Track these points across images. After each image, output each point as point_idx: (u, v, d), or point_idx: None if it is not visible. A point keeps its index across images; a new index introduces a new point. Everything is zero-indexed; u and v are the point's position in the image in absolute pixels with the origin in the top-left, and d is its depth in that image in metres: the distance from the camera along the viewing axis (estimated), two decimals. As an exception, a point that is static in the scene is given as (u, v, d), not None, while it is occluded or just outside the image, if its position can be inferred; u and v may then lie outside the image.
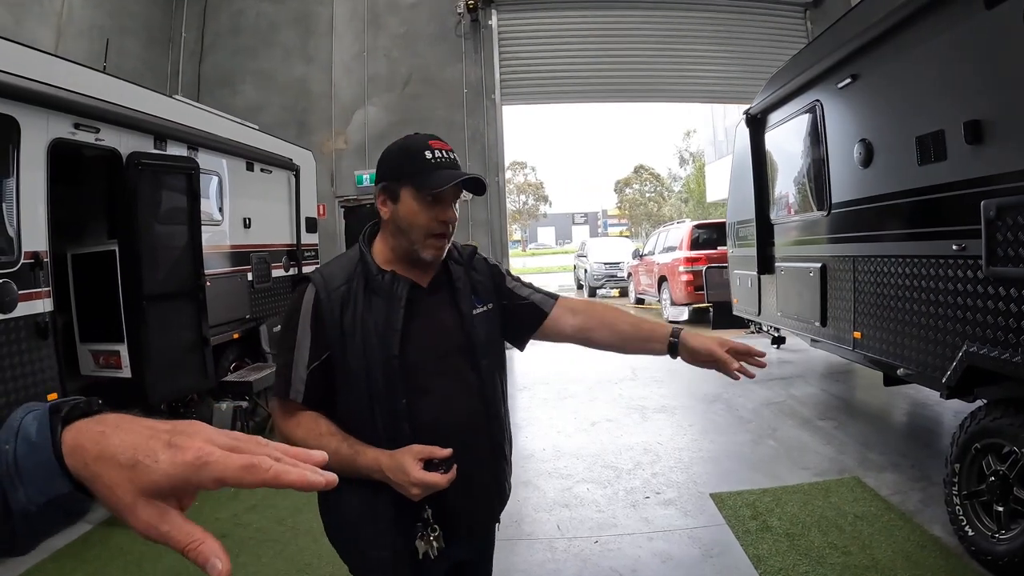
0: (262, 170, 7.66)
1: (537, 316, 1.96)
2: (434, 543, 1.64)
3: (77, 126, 4.59)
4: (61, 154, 4.52)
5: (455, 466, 1.58)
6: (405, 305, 1.69)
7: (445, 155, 1.70)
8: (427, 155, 1.68)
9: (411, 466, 1.54)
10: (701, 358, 1.88)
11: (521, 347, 2.03)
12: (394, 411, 1.65)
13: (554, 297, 2.00)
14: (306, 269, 8.47)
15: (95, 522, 4.57)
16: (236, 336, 6.95)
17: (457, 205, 1.79)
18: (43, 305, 4.22)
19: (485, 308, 1.86)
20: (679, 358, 1.90)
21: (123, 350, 5.00)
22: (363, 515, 1.71)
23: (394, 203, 1.73)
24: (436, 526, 1.65)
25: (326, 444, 1.60)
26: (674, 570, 3.73)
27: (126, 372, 5.01)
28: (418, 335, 1.72)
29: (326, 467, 1.65)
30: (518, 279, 2.03)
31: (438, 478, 1.55)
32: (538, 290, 2.01)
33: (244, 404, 5.93)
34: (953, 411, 5.98)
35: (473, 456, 1.73)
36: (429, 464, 1.56)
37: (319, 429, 1.67)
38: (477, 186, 1.75)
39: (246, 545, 4.19)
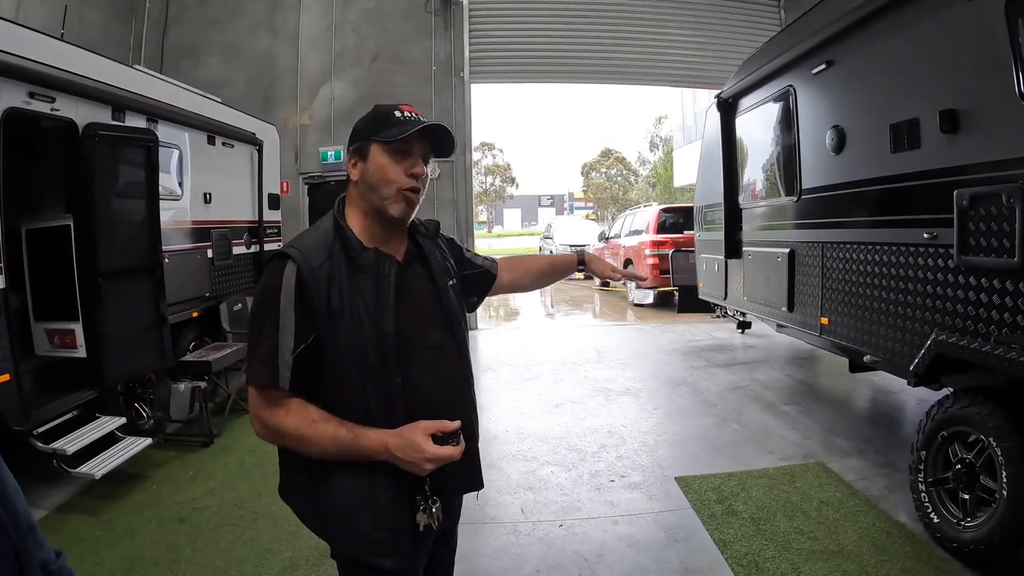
0: (224, 144, 7.46)
1: (489, 280, 2.19)
2: (435, 515, 1.66)
3: (32, 95, 4.38)
4: (15, 124, 4.31)
5: (461, 435, 1.62)
6: (396, 281, 1.70)
7: (414, 116, 1.72)
8: (396, 114, 1.70)
9: (423, 442, 1.56)
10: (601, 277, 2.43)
11: (472, 308, 2.19)
12: (388, 390, 1.63)
13: (494, 261, 2.25)
14: (268, 247, 8.33)
15: (50, 508, 4.44)
16: (195, 315, 6.78)
17: (430, 172, 1.80)
18: (-6, 282, 4.05)
19: (453, 281, 1.89)
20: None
21: (78, 329, 4.81)
22: (360, 499, 1.64)
23: (364, 162, 1.71)
24: (436, 498, 1.66)
25: (322, 430, 1.59)
26: (640, 554, 3.71)
27: (81, 352, 4.82)
28: (403, 310, 1.70)
29: (323, 454, 1.60)
30: (469, 249, 2.20)
31: (452, 451, 1.58)
32: (484, 258, 2.24)
33: (203, 384, 5.78)
34: (916, 399, 6.09)
35: (461, 425, 1.73)
36: (437, 438, 1.58)
37: (311, 416, 1.61)
38: (444, 140, 1.78)
39: (204, 530, 4.08)
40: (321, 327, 1.61)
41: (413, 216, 1.77)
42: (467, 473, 1.83)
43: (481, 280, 2.16)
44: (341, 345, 1.62)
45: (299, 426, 1.60)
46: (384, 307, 1.64)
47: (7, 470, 0.89)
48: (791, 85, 5.43)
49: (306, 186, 12.18)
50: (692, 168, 9.44)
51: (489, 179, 58.62)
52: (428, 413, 1.62)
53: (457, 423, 1.61)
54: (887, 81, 4.17)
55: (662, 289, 13.35)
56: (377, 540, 1.66)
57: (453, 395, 1.76)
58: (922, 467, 3.72)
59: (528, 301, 15.97)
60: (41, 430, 4.43)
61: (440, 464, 1.58)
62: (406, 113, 1.71)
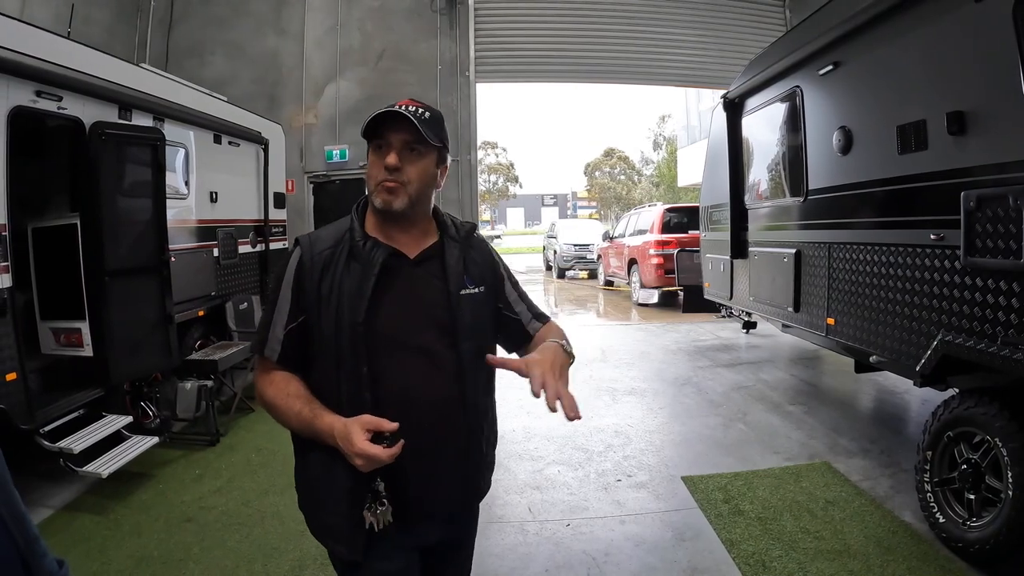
0: (230, 143, 7.47)
1: (522, 337, 1.92)
2: (379, 517, 1.62)
3: (39, 94, 4.38)
4: (22, 123, 4.32)
5: (401, 442, 1.53)
6: (380, 273, 1.66)
7: (403, 108, 1.68)
8: (385, 111, 1.68)
9: (357, 435, 1.52)
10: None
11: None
12: (356, 379, 1.63)
13: (541, 320, 1.94)
14: (274, 245, 8.34)
15: (56, 507, 4.45)
16: (201, 313, 6.79)
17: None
18: (1, 281, 4.05)
19: (476, 290, 1.79)
20: None
21: (84, 328, 4.82)
22: (323, 478, 1.69)
23: (367, 160, 1.76)
24: (385, 500, 1.62)
25: (290, 405, 1.66)
26: (647, 554, 3.72)
27: (87, 351, 4.84)
28: (392, 305, 1.69)
29: (290, 428, 1.66)
30: (516, 285, 1.97)
31: (379, 451, 1.51)
32: (531, 306, 1.95)
33: (209, 383, 5.79)
34: (921, 399, 6.09)
35: (440, 438, 1.70)
36: (378, 436, 1.53)
37: (288, 390, 1.69)
38: (412, 125, 1.65)
39: (211, 529, 4.08)
40: (311, 310, 1.69)
41: (401, 206, 1.69)
42: (446, 490, 1.76)
43: (512, 329, 1.91)
44: (324, 329, 1.67)
45: (275, 396, 1.70)
46: (360, 296, 1.64)
47: (10, 480, 0.88)
48: (798, 86, 5.43)
49: (311, 185, 12.22)
50: (696, 167, 9.46)
51: (492, 178, 58.55)
52: (399, 413, 1.58)
53: (394, 425, 1.54)
54: (894, 83, 4.17)
55: (667, 289, 13.34)
56: (331, 526, 1.72)
57: (435, 403, 1.68)
58: (928, 467, 3.72)
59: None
60: (47, 429, 4.44)
61: (372, 464, 1.53)
62: (394, 108, 1.68)
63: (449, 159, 1.84)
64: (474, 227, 1.93)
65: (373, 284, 1.65)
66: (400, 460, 1.56)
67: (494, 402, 1.93)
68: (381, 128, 1.68)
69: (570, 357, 1.72)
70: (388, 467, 1.56)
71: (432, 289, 1.74)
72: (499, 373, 1.81)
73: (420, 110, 1.69)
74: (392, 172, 1.67)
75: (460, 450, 1.75)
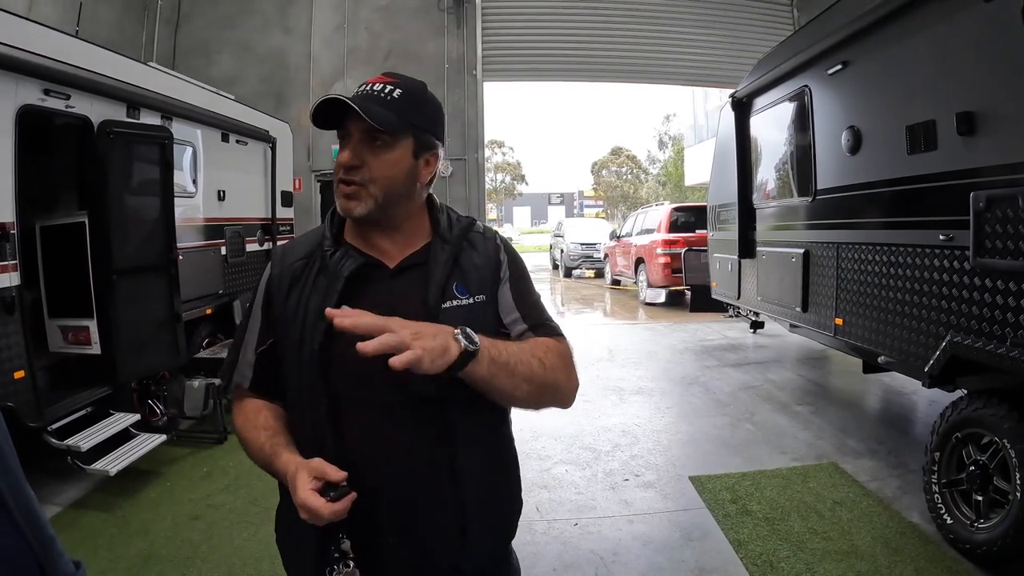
0: (238, 142, 7.47)
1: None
2: (345, 574, 1.33)
3: (47, 92, 4.38)
4: (30, 121, 4.32)
5: (351, 495, 1.25)
6: (346, 288, 1.38)
7: (366, 88, 1.44)
8: (324, 98, 1.40)
9: (301, 482, 1.25)
10: None
11: None
12: (316, 414, 1.37)
13: (537, 333, 1.51)
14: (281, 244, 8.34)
15: (64, 504, 4.47)
16: (209, 312, 6.79)
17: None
18: (9, 279, 4.05)
19: (469, 300, 1.46)
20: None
21: (92, 326, 4.84)
22: (289, 523, 1.44)
23: None
24: (351, 562, 1.32)
25: (254, 438, 1.44)
26: (655, 553, 3.72)
27: (95, 349, 4.85)
28: None
29: (256, 463, 1.45)
30: (516, 285, 1.56)
31: (320, 504, 1.22)
32: (529, 314, 1.54)
33: (217, 381, 5.80)
34: (928, 400, 6.06)
35: (415, 489, 1.39)
36: (329, 485, 1.26)
37: (255, 422, 1.46)
38: (363, 111, 1.34)
39: (218, 527, 4.11)
40: (278, 331, 1.45)
41: (363, 212, 1.41)
42: (428, 552, 1.42)
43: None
44: (288, 354, 1.44)
45: (242, 426, 1.49)
46: (320, 316, 1.33)
47: (25, 481, 0.86)
48: (807, 85, 5.41)
49: (318, 183, 12.24)
50: (704, 166, 9.45)
51: (499, 177, 58.52)
52: (365, 457, 1.35)
53: (341, 474, 1.26)
54: (903, 83, 4.15)
55: (674, 288, 13.33)
56: (297, 568, 1.52)
57: (408, 447, 1.38)
58: (936, 468, 3.71)
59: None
60: (55, 426, 4.46)
61: (314, 519, 1.24)
62: (362, 87, 1.46)
63: (441, 148, 1.52)
64: (472, 222, 1.60)
65: (336, 302, 1.35)
66: (374, 513, 1.35)
67: (507, 429, 1.63)
68: (342, 116, 1.40)
69: (465, 349, 1.26)
70: (358, 521, 1.30)
71: (410, 304, 1.38)
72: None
73: (388, 87, 1.43)
74: (348, 171, 1.40)
75: (449, 503, 1.42)
